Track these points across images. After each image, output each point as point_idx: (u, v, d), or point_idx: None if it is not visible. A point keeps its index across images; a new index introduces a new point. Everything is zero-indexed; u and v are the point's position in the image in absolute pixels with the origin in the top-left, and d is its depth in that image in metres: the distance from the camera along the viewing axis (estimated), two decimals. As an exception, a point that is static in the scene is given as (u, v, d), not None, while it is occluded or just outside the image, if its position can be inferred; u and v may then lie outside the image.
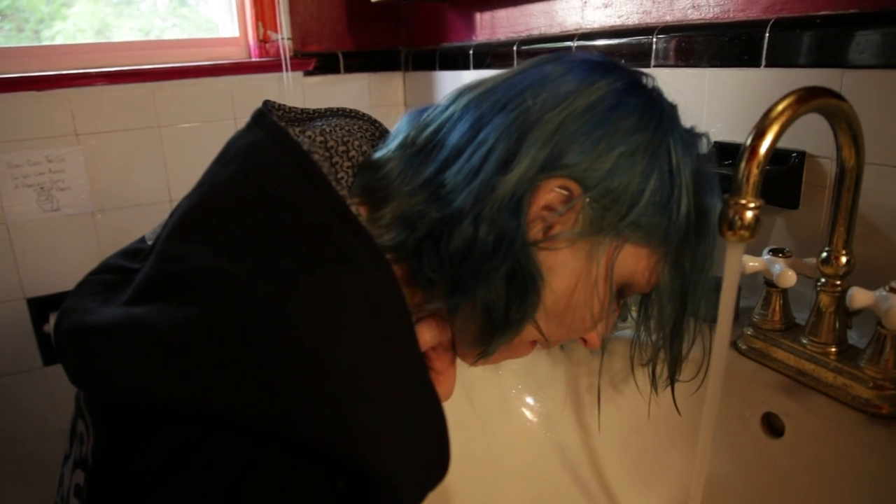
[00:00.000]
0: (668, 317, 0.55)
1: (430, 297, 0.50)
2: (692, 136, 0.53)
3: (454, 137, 0.49)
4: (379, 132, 0.59)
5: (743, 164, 0.52)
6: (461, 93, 0.52)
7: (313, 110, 0.58)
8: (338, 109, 0.59)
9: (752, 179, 0.52)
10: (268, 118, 0.49)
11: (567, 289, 0.50)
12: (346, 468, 0.39)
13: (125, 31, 1.66)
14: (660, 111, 0.50)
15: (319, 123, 0.55)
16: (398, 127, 0.54)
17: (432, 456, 0.46)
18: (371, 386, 0.40)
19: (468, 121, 0.49)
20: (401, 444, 0.42)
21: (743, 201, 0.52)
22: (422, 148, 0.50)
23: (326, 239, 0.42)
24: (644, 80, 0.52)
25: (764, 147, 0.52)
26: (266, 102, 0.54)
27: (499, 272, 0.46)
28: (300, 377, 0.37)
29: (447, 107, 0.52)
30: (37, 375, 1.56)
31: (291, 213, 0.43)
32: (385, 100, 1.82)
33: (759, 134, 0.52)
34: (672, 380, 0.61)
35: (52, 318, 1.48)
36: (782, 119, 0.53)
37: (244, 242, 0.42)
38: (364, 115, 0.59)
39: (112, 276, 0.48)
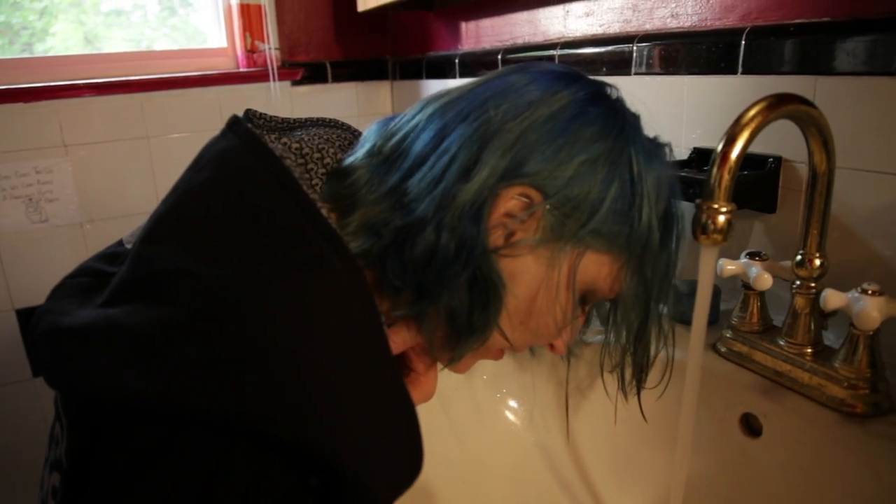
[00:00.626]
0: (632, 323, 0.55)
1: (396, 304, 0.51)
2: (655, 145, 0.54)
3: (418, 146, 0.50)
4: (357, 141, 0.60)
5: (715, 170, 0.54)
6: (427, 102, 0.53)
7: (294, 120, 0.59)
8: (318, 119, 0.60)
9: (723, 184, 0.54)
10: (242, 125, 0.50)
11: (529, 295, 0.51)
12: (318, 465, 0.40)
13: (115, 41, 1.66)
14: (622, 120, 0.51)
15: (299, 133, 0.56)
16: (366, 135, 0.55)
17: (404, 456, 0.46)
18: (342, 385, 0.41)
19: (432, 130, 0.50)
20: (372, 442, 0.43)
21: (715, 206, 0.54)
22: (388, 157, 0.51)
23: (298, 242, 0.43)
24: (607, 90, 0.53)
25: (735, 152, 0.54)
26: (248, 111, 0.55)
27: (460, 278, 0.47)
28: (271, 374, 0.38)
29: (413, 116, 0.53)
30: (26, 386, 1.55)
31: (263, 217, 0.44)
32: (373, 108, 1.83)
33: (730, 140, 0.54)
34: (638, 386, 0.61)
35: (41, 329, 1.49)
36: (753, 125, 0.54)
37: (217, 246, 0.42)
38: (343, 124, 0.60)
39: (89, 279, 0.49)
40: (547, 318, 0.52)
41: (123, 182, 1.54)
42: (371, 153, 0.52)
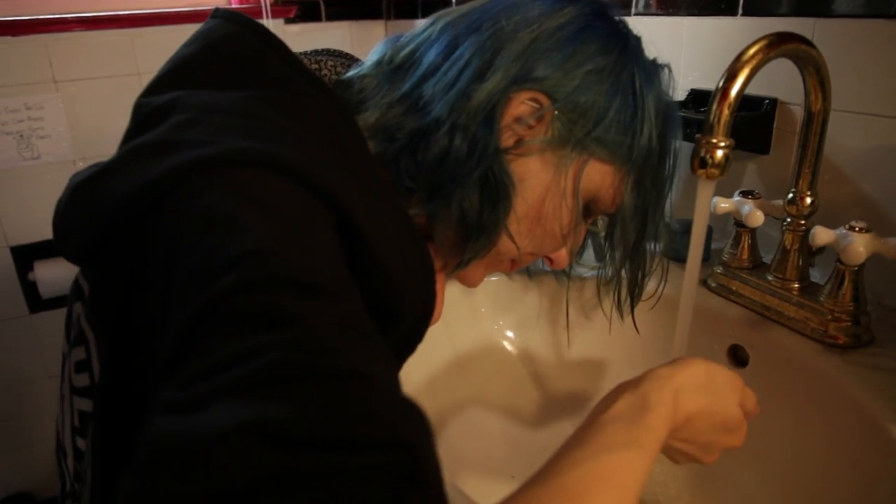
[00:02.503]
0: (630, 236, 0.59)
1: (409, 205, 0.53)
2: (655, 66, 0.57)
3: (431, 55, 0.52)
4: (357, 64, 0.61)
5: (714, 106, 0.55)
6: (438, 17, 0.56)
7: (301, 52, 0.60)
8: (322, 49, 0.62)
9: (723, 120, 0.55)
10: (221, 9, 0.52)
11: (537, 199, 0.54)
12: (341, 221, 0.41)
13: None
14: (624, 38, 0.54)
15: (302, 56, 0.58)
16: (374, 50, 0.58)
17: (413, 259, 0.48)
18: (339, 164, 0.44)
19: (444, 41, 0.53)
20: (381, 223, 0.44)
21: (714, 140, 0.55)
22: (399, 66, 0.54)
23: (285, 87, 0.47)
24: (610, 10, 0.56)
25: (735, 89, 0.55)
26: None
27: (472, 177, 0.50)
28: (281, 136, 0.41)
29: (423, 30, 0.55)
30: (23, 323, 1.57)
31: (253, 69, 0.47)
32: (367, 48, 1.76)
33: (731, 76, 0.55)
34: (633, 299, 0.65)
35: (37, 266, 1.49)
36: (753, 62, 0.55)
37: (213, 84, 0.46)
38: (347, 53, 0.62)
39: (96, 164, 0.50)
40: (553, 223, 0.55)
41: (116, 119, 1.52)
42: (380, 63, 0.55)
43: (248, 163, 0.38)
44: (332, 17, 1.75)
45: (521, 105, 0.51)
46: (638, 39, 0.56)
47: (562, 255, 0.59)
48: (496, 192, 0.51)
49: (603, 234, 0.64)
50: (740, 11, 0.83)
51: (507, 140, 0.51)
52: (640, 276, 0.62)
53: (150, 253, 0.37)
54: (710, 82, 0.90)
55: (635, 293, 0.65)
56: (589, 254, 0.79)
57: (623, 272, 0.63)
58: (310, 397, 0.27)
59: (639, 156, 0.54)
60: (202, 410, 0.26)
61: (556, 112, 0.51)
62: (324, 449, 0.26)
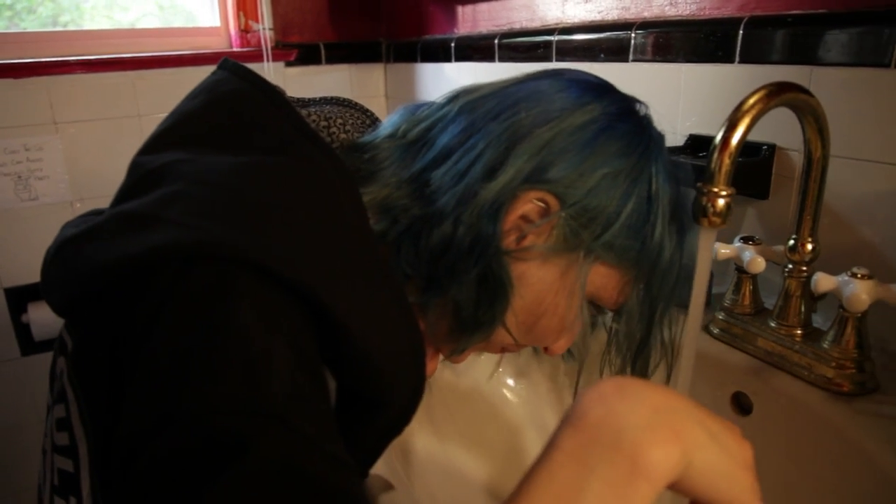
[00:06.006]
0: (634, 336, 0.56)
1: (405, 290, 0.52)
2: (675, 165, 0.55)
3: (445, 138, 0.51)
4: (370, 121, 0.61)
5: (716, 155, 0.55)
6: (458, 94, 0.54)
7: (308, 98, 0.60)
8: (332, 98, 0.60)
9: (724, 169, 0.55)
10: (231, 61, 0.52)
11: (536, 299, 0.52)
12: (319, 314, 0.40)
13: (103, 20, 1.64)
14: (647, 138, 0.52)
15: (311, 108, 0.57)
16: (392, 118, 0.56)
17: (406, 354, 0.46)
18: (329, 246, 0.42)
19: (461, 123, 0.51)
20: (368, 310, 0.43)
21: (715, 189, 0.55)
22: (413, 142, 0.52)
23: (288, 149, 0.45)
24: (637, 106, 0.54)
25: (736, 138, 0.55)
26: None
27: (471, 274, 0.48)
28: (265, 218, 0.40)
29: (442, 106, 0.54)
30: (15, 366, 1.55)
31: (255, 130, 0.46)
32: (367, 91, 1.83)
33: (731, 126, 0.55)
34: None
35: (31, 308, 1.48)
36: (753, 112, 0.56)
37: (211, 148, 0.45)
38: (359, 105, 0.61)
39: (88, 216, 0.50)
40: (550, 321, 0.53)
41: (114, 161, 1.53)
42: (394, 135, 0.53)
43: (219, 257, 0.37)
44: (332, 61, 1.77)
45: (529, 204, 0.49)
46: (661, 137, 0.54)
47: (558, 346, 0.58)
48: (494, 291, 0.49)
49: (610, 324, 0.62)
50: (738, 59, 0.84)
51: (509, 241, 0.49)
52: (644, 371, 0.59)
53: (129, 324, 0.37)
54: (708, 128, 0.90)
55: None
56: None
57: (627, 365, 0.60)
58: None
59: (647, 260, 0.52)
60: None
61: (565, 216, 0.49)
62: None
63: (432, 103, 0.55)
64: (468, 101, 0.52)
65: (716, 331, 0.77)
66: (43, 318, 1.48)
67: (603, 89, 0.53)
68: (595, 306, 0.56)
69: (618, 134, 0.50)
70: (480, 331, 0.51)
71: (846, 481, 0.61)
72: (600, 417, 0.33)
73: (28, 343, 1.53)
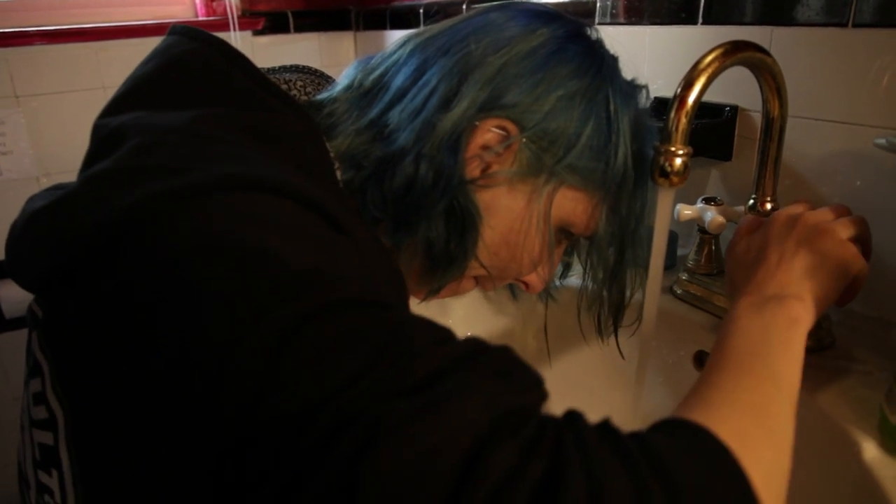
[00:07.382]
0: (607, 262, 0.57)
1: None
2: (632, 86, 0.55)
3: (399, 80, 0.51)
4: (328, 84, 0.60)
5: (672, 114, 0.56)
6: (408, 39, 0.54)
7: (267, 68, 0.59)
8: (290, 66, 0.60)
9: (681, 128, 0.56)
10: (179, 25, 0.51)
11: (505, 227, 0.52)
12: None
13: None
14: (600, 59, 0.52)
15: (271, 76, 0.56)
16: (346, 72, 0.56)
17: (389, 287, 0.46)
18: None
19: (413, 64, 0.51)
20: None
21: (672, 148, 0.56)
22: (368, 90, 0.52)
23: (250, 101, 0.45)
24: (587, 30, 0.55)
25: (692, 97, 0.55)
26: None
27: (437, 208, 0.49)
28: (247, 160, 0.39)
29: (393, 52, 0.54)
30: (-16, 345, 1.53)
31: (214, 87, 0.46)
32: (336, 60, 1.81)
33: (688, 84, 0.56)
34: (615, 325, 0.64)
35: (1, 286, 1.46)
36: (709, 70, 0.56)
37: (172, 104, 0.44)
38: (317, 70, 0.61)
39: (53, 189, 0.48)
40: (523, 251, 0.53)
41: (80, 134, 1.47)
42: (350, 87, 0.53)
43: (235, 188, 0.36)
44: (300, 29, 1.74)
45: (488, 133, 0.49)
46: (615, 59, 0.55)
47: (534, 280, 0.58)
48: (462, 223, 0.50)
49: (584, 256, 0.63)
50: (700, 20, 0.84)
51: (473, 170, 0.50)
52: (620, 300, 0.60)
53: (129, 285, 0.35)
54: (672, 90, 0.90)
55: (617, 317, 0.63)
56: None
57: (604, 293, 0.61)
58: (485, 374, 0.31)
59: (613, 181, 0.53)
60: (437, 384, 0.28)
61: (525, 140, 0.50)
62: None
63: (383, 52, 0.55)
64: (419, 43, 0.53)
65: (679, 291, 0.78)
66: (14, 295, 1.45)
67: (551, 16, 0.53)
68: (568, 234, 0.57)
69: (569, 56, 0.51)
70: (453, 266, 0.52)
71: (801, 433, 0.62)
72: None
73: (-1, 321, 1.52)
